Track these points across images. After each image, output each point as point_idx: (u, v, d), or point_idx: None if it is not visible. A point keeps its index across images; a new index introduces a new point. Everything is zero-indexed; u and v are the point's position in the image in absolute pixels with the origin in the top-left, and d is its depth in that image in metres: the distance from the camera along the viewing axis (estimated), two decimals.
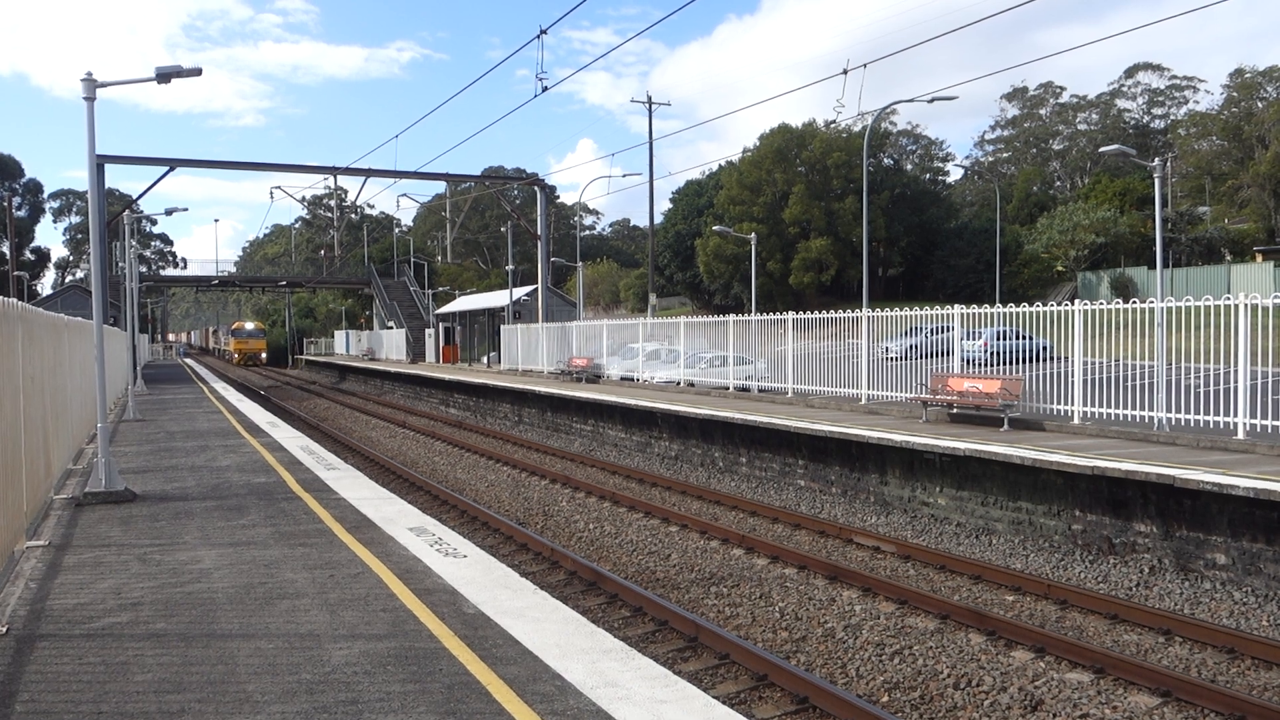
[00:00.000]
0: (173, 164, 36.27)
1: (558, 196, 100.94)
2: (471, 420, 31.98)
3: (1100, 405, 14.83)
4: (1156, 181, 16.81)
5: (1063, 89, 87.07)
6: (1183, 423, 13.83)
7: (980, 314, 17.19)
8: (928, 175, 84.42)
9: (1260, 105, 65.46)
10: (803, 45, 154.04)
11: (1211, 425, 13.44)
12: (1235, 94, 68.32)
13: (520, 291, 46.66)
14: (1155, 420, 14.10)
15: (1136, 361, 14.95)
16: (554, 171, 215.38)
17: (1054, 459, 12.28)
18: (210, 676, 5.55)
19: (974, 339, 17.75)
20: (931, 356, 18.95)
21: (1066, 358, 15.57)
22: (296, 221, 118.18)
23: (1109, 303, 15.19)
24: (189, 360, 78.78)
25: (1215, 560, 10.77)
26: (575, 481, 18.13)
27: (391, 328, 63.08)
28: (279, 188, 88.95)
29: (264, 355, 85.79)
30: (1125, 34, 32.40)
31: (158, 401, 28.24)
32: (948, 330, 17.99)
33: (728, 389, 24.14)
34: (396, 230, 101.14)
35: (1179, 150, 71.87)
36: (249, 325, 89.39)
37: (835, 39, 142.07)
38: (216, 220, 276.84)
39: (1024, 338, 16.54)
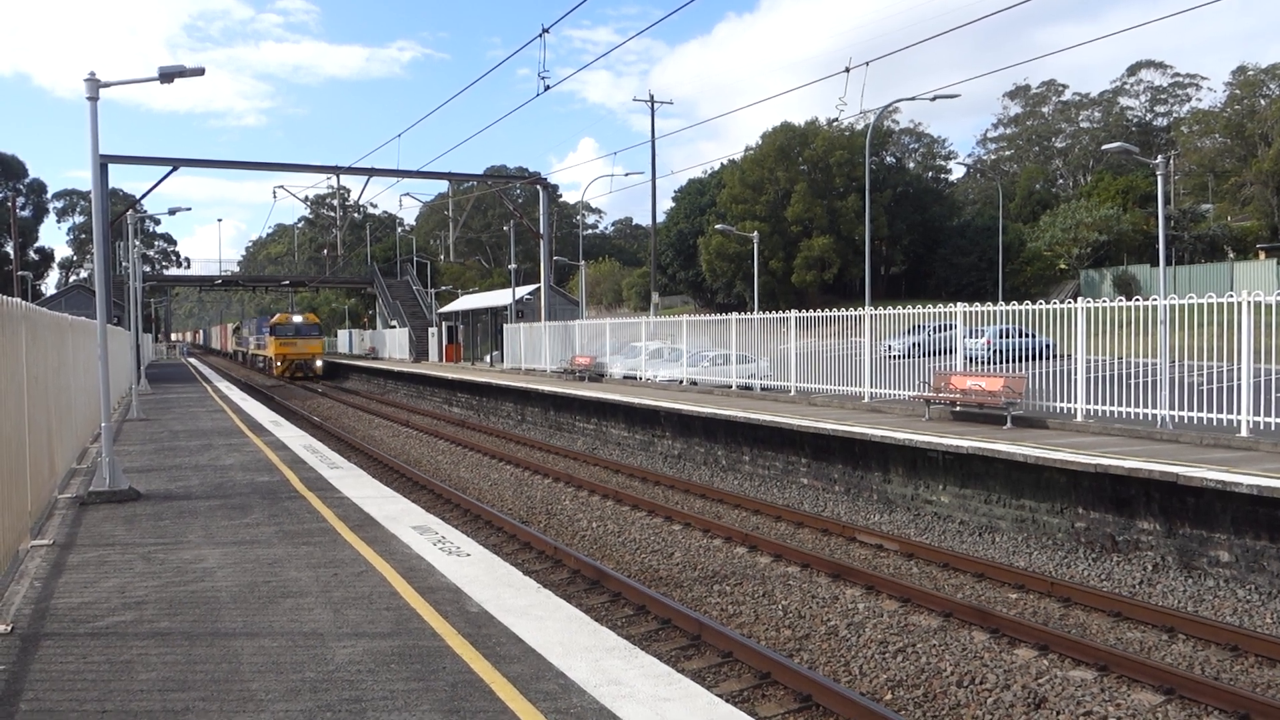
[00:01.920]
0: (176, 164, 36.35)
1: (560, 195, 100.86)
2: (474, 419, 31.99)
3: (1103, 403, 14.82)
4: (1159, 179, 16.83)
5: (1065, 87, 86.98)
6: (1186, 420, 13.81)
7: (983, 312, 17.18)
8: (930, 173, 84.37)
9: (1263, 103, 65.39)
10: (801, 44, 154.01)
11: (1215, 423, 13.42)
12: (1238, 91, 68.25)
13: (523, 290, 46.71)
14: (1158, 418, 14.08)
15: (1139, 359, 14.93)
16: (556, 170, 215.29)
17: (1057, 457, 12.27)
18: (214, 675, 5.56)
19: (977, 337, 17.73)
20: (934, 355, 18.93)
21: (1070, 356, 15.55)
22: (299, 221, 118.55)
23: (1112, 300, 15.17)
24: (192, 360, 78.82)
25: (1219, 558, 10.76)
26: (578, 480, 18.13)
27: (394, 327, 63.15)
28: (282, 187, 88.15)
29: (320, 363, 57.16)
30: (1125, 32, 32.39)
31: (161, 401, 28.28)
32: (950, 328, 17.99)
33: (730, 387, 24.14)
34: (399, 230, 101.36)
35: (1182, 148, 71.80)
36: (297, 318, 59.30)
37: (834, 38, 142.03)
38: (219, 220, 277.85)
39: (1027, 336, 16.52)
